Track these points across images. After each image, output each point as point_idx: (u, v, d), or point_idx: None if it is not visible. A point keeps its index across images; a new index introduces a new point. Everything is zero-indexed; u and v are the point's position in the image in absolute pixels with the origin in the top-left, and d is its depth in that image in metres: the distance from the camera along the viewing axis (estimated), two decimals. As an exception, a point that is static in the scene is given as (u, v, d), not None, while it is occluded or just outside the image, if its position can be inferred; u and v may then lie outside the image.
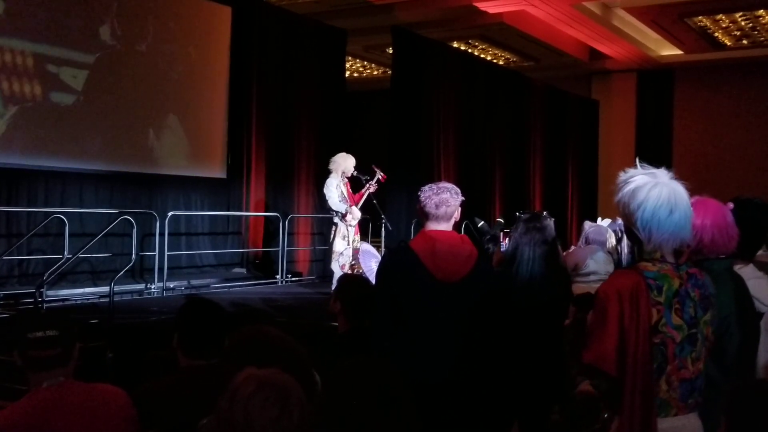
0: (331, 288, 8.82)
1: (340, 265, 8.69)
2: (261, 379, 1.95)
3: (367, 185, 8.82)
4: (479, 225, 10.08)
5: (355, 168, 8.83)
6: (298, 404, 1.93)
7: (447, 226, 3.51)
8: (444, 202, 3.45)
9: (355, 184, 8.95)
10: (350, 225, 8.63)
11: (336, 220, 8.69)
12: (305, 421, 1.94)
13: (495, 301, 3.52)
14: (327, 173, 8.74)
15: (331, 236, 8.80)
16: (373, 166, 8.99)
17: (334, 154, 8.93)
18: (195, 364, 2.95)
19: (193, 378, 2.88)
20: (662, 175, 2.52)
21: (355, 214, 8.66)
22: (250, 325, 2.79)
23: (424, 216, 3.53)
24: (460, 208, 3.53)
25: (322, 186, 8.76)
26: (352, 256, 8.67)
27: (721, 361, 2.68)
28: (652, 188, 2.47)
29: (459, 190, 3.55)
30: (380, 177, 8.86)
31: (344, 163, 8.69)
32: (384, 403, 2.00)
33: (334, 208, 8.60)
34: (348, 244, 8.64)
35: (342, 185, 8.64)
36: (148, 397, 2.84)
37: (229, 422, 1.90)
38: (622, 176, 2.55)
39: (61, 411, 2.55)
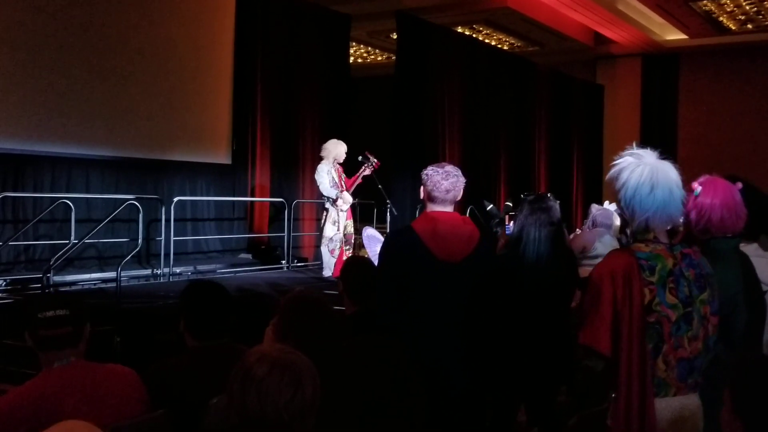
0: (322, 273, 8.89)
1: (329, 250, 8.73)
2: (273, 360, 1.93)
3: (361, 170, 8.85)
4: (488, 208, 10.06)
5: (364, 154, 8.88)
6: (310, 381, 1.93)
7: (449, 208, 3.54)
8: (453, 186, 3.50)
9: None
10: (341, 210, 8.68)
11: (327, 205, 8.74)
12: (317, 397, 1.94)
13: (496, 281, 3.54)
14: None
15: (322, 221, 8.86)
16: (366, 152, 8.98)
17: (338, 140, 8.96)
18: (203, 345, 2.96)
19: (203, 358, 2.90)
20: (648, 155, 2.56)
21: (347, 199, 8.69)
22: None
23: (429, 198, 3.55)
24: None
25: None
26: (345, 240, 8.72)
27: (729, 339, 2.69)
28: (635, 168, 2.52)
29: (460, 171, 3.60)
30: (374, 163, 8.86)
31: (335, 150, 8.75)
32: (392, 378, 2.02)
33: (325, 193, 8.66)
34: (338, 230, 8.68)
35: (333, 171, 8.68)
36: (158, 377, 2.86)
37: (241, 403, 1.90)
38: (615, 160, 2.61)
39: (72, 390, 2.55)
